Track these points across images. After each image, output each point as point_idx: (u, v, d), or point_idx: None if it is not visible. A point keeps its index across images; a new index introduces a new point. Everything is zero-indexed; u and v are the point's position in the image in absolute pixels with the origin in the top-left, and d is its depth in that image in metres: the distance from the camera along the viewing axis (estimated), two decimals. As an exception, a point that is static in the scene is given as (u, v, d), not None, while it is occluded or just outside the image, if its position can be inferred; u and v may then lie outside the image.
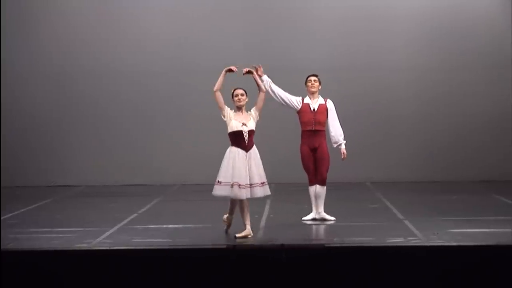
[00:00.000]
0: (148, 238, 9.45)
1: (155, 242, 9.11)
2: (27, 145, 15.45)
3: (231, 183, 9.20)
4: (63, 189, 14.78)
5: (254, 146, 9.43)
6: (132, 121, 15.49)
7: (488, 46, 15.24)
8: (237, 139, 9.34)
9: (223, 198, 9.46)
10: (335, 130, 10.54)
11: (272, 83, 10.38)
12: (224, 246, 8.84)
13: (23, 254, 8.62)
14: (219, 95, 9.39)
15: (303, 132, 10.50)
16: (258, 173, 9.35)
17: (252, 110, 9.52)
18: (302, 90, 10.61)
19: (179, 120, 15.44)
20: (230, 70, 9.44)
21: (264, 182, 9.38)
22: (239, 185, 9.21)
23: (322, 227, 10.23)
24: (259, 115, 9.53)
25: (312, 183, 10.50)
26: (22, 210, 11.96)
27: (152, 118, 15.50)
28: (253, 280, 8.40)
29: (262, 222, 10.49)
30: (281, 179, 13.63)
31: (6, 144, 15.28)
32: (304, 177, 10.58)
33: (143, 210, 11.94)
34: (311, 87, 10.53)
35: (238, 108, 9.45)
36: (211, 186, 9.38)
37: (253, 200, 9.44)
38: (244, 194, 9.25)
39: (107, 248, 8.82)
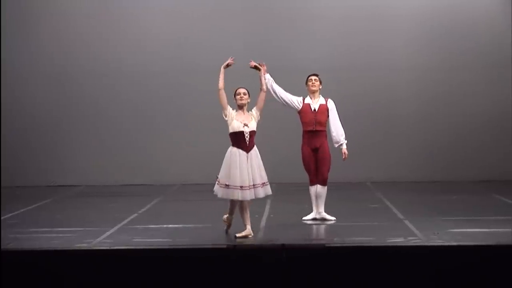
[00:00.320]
0: (148, 238, 9.45)
1: (155, 242, 9.11)
2: (27, 145, 15.45)
3: (235, 186, 9.19)
4: (63, 189, 14.78)
5: (255, 147, 9.42)
6: (132, 121, 15.49)
7: (488, 45, 15.24)
8: (238, 139, 9.33)
9: (224, 198, 9.46)
10: (336, 130, 10.53)
11: (274, 82, 10.38)
12: (224, 246, 8.84)
13: (23, 254, 8.62)
14: (223, 94, 9.39)
15: (304, 132, 10.50)
16: (260, 174, 9.35)
17: (253, 110, 9.51)
18: (303, 90, 10.61)
19: (179, 120, 15.44)
20: (228, 65, 9.45)
21: (265, 183, 9.38)
22: (241, 186, 9.21)
23: (322, 227, 10.23)
24: (260, 115, 9.53)
25: (313, 183, 10.49)
26: (22, 210, 11.96)
27: (152, 118, 15.50)
28: (253, 280, 8.40)
29: (263, 222, 10.49)
30: (282, 179, 13.63)
31: (6, 144, 15.28)
32: (305, 177, 10.58)
33: (143, 210, 11.94)
34: (311, 86, 10.52)
35: (240, 108, 9.43)
36: (211, 186, 9.39)
37: (253, 200, 9.43)
38: (248, 195, 9.25)
39: (107, 248, 8.82)
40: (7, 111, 15.28)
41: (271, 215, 11.10)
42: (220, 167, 9.36)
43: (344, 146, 10.55)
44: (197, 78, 14.85)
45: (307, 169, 10.50)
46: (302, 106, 10.50)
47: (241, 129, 9.31)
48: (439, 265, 8.41)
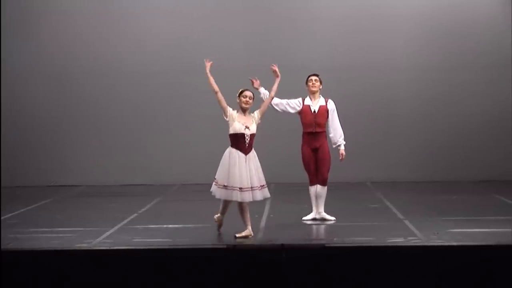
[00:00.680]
0: (148, 238, 9.45)
1: (155, 242, 9.11)
2: (27, 145, 15.45)
3: (234, 187, 9.17)
4: (63, 189, 14.78)
5: (253, 149, 9.39)
6: (132, 121, 15.49)
7: (488, 46, 15.23)
8: (238, 141, 9.30)
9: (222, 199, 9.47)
10: (335, 131, 10.52)
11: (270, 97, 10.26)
12: (224, 246, 8.83)
13: (23, 254, 8.63)
14: (220, 96, 9.36)
15: (304, 133, 10.49)
16: (258, 176, 9.32)
17: (255, 112, 9.46)
18: (302, 90, 10.60)
19: (179, 120, 15.44)
20: (210, 65, 9.40)
21: (263, 185, 9.37)
22: (241, 188, 9.19)
23: (322, 227, 10.23)
24: (261, 118, 9.50)
25: (312, 183, 10.49)
26: (22, 210, 11.96)
27: (152, 118, 15.50)
28: (253, 280, 8.40)
29: (262, 222, 10.48)
30: (281, 179, 13.64)
31: (6, 144, 15.28)
32: (304, 177, 10.58)
33: (143, 210, 11.94)
34: (312, 86, 10.51)
35: (243, 110, 9.40)
36: (211, 186, 9.37)
37: (253, 201, 9.42)
38: (247, 197, 9.23)
39: (107, 248, 8.82)
40: (7, 111, 15.28)
41: (271, 215, 11.10)
42: (220, 167, 9.37)
43: (342, 147, 10.54)
44: (197, 78, 14.66)
45: (307, 169, 10.49)
46: (302, 107, 10.49)
47: (242, 131, 9.29)
48: (439, 265, 8.41)
